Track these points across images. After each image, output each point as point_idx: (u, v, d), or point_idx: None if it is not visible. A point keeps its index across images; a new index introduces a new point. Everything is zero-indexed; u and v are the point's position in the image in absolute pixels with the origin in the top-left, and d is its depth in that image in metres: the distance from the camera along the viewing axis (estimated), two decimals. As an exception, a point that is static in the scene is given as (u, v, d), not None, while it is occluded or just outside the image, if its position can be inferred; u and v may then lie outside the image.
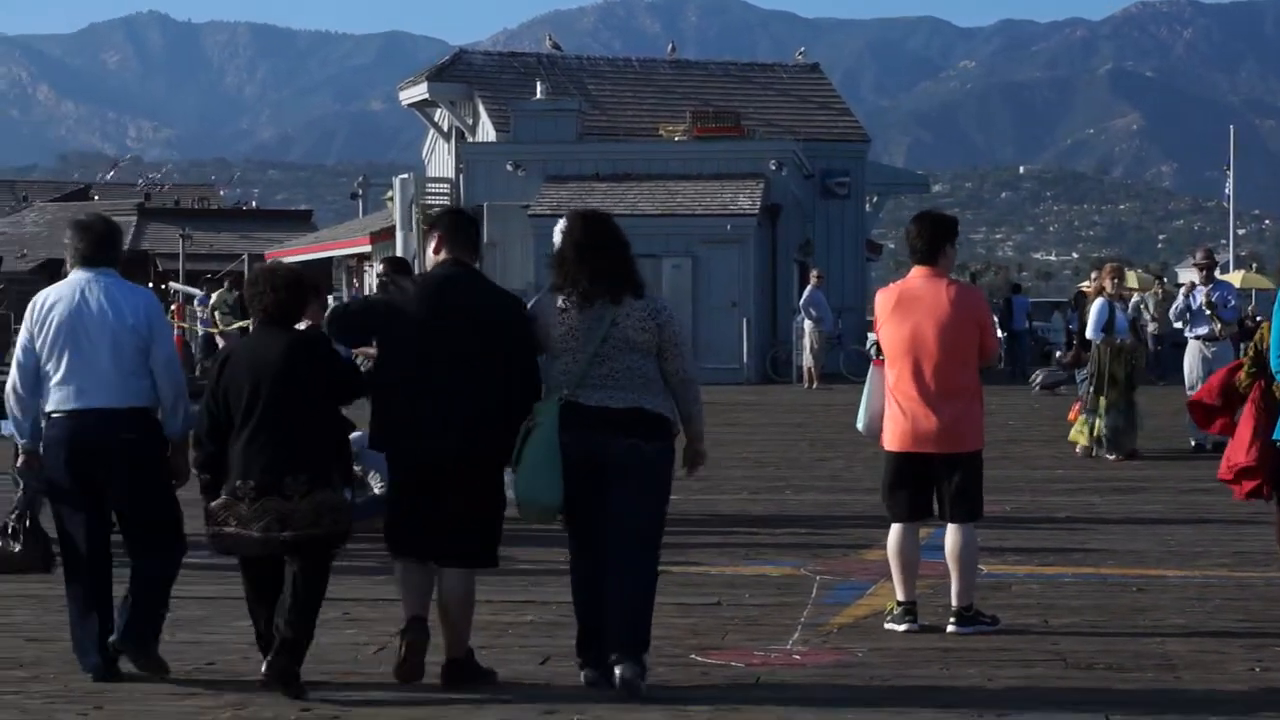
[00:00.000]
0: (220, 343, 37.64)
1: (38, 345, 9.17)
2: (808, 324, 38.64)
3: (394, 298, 9.19)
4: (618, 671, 8.73)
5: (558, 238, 9.11)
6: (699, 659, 9.44)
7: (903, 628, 10.43)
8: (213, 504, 8.90)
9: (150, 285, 39.74)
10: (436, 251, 9.17)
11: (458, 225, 9.26)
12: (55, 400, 9.15)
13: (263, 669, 8.91)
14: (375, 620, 9.45)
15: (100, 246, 9.40)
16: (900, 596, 10.53)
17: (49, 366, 9.15)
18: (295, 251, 55.53)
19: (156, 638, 9.21)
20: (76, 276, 9.32)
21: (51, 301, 9.25)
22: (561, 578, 12.24)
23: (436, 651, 9.08)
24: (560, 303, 8.96)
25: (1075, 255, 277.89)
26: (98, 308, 9.21)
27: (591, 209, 9.56)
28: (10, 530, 9.79)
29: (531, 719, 8.32)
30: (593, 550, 8.99)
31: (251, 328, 9.22)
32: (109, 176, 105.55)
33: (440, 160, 52.47)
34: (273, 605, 8.95)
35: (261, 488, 8.76)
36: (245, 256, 54.70)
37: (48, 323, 9.18)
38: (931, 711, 8.41)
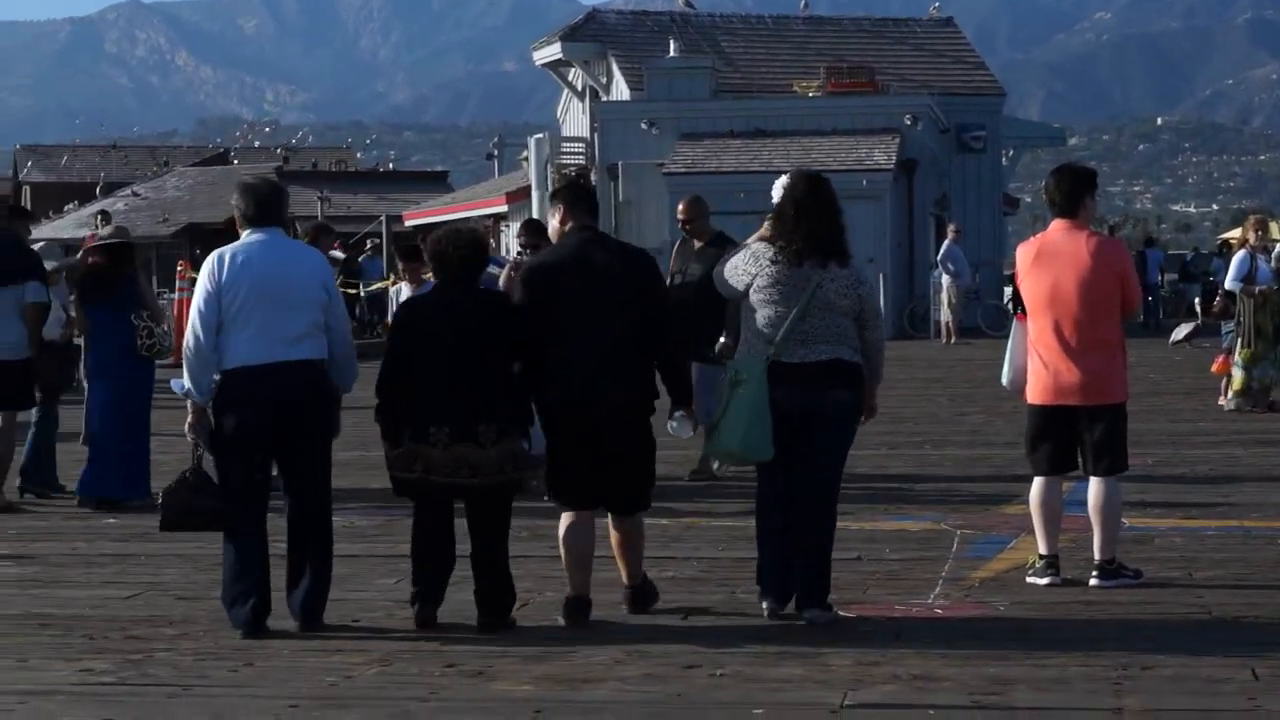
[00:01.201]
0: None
1: (225, 301, 9.26)
2: (945, 279, 38.46)
3: (542, 261, 9.62)
4: (806, 616, 9.32)
5: (778, 193, 9.55)
6: (840, 613, 9.44)
7: (1044, 581, 10.39)
8: (397, 451, 9.22)
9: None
10: (563, 223, 9.62)
11: (577, 194, 9.82)
12: (244, 355, 9.25)
13: (414, 614, 9.24)
14: (517, 576, 9.51)
15: (276, 207, 9.61)
16: (1042, 550, 10.48)
17: (239, 321, 9.25)
18: (432, 213, 55.84)
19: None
20: (258, 236, 9.46)
21: (241, 259, 9.35)
22: (702, 533, 12.30)
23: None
24: (772, 255, 9.36)
25: (1215, 207, 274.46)
26: (286, 266, 9.44)
27: (813, 171, 10.13)
28: (189, 481, 9.53)
29: (672, 674, 8.35)
30: (781, 498, 9.39)
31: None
32: (248, 136, 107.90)
33: (575, 120, 52.53)
34: (443, 554, 9.31)
35: (456, 435, 9.09)
36: (383, 218, 55.07)
37: (238, 280, 9.28)
38: (1075, 665, 8.37)
